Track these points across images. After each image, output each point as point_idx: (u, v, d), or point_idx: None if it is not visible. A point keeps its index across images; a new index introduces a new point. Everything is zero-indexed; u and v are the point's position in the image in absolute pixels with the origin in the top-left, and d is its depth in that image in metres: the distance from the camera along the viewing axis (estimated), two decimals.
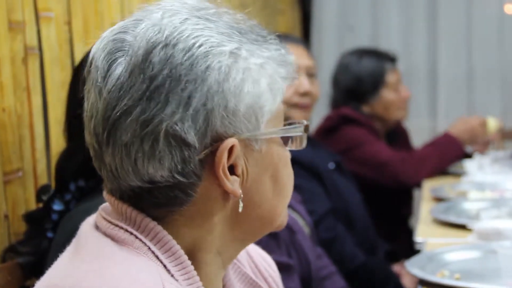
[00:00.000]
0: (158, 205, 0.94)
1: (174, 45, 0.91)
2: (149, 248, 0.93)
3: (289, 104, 2.64)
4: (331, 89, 3.54)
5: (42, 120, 1.74)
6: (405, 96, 3.51)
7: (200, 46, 0.91)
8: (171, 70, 0.90)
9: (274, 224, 1.02)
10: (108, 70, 0.93)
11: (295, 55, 2.75)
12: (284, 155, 1.00)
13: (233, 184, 0.94)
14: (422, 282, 1.73)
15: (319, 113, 3.80)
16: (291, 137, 1.01)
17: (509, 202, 2.52)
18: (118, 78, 0.92)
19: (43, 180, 1.73)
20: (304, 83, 2.64)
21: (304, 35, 5.24)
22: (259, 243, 1.88)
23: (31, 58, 1.70)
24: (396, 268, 2.85)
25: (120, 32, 0.95)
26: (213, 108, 0.91)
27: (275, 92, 0.96)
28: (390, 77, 3.44)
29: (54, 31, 1.78)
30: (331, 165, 2.72)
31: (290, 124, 1.00)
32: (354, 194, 2.79)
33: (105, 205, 0.99)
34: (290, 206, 2.11)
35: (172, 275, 0.92)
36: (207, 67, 0.91)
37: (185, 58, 0.91)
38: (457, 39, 4.98)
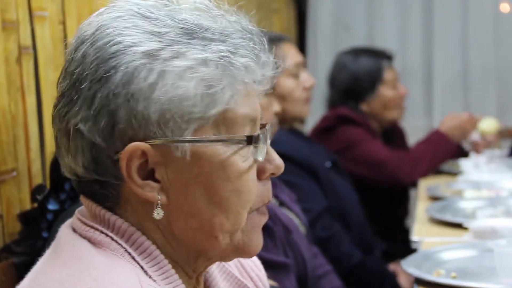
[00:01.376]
0: (103, 199, 0.93)
1: (93, 43, 0.90)
2: (126, 249, 0.92)
3: (302, 102, 2.66)
4: (328, 89, 3.53)
5: (37, 120, 1.74)
6: (403, 93, 3.51)
7: (113, 45, 0.89)
8: (83, 69, 0.90)
9: (216, 241, 0.94)
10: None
11: (290, 53, 2.76)
12: (227, 166, 0.92)
13: (144, 188, 0.91)
14: (418, 281, 1.73)
15: (315, 113, 3.79)
16: (254, 145, 0.94)
17: (505, 201, 2.51)
18: (61, 72, 0.95)
19: (37, 180, 1.73)
20: (309, 78, 2.69)
21: (300, 35, 5.24)
22: None
23: (25, 58, 1.69)
24: (392, 267, 2.85)
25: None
26: (117, 109, 0.88)
27: (213, 98, 0.90)
28: (387, 75, 3.44)
29: (48, 30, 1.77)
30: (328, 164, 2.72)
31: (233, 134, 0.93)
32: (350, 193, 2.79)
33: (82, 207, 0.98)
34: (285, 205, 2.13)
35: (149, 276, 0.92)
36: (113, 67, 0.88)
37: (95, 56, 0.89)
38: (453, 38, 4.98)
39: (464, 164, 3.29)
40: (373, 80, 3.42)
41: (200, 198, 0.92)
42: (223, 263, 1.09)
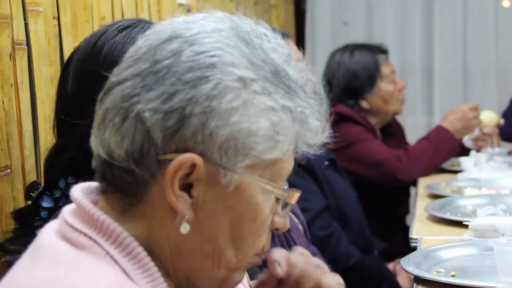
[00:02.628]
0: (118, 188, 0.93)
1: (191, 44, 0.91)
2: (108, 252, 0.91)
3: None
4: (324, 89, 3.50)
5: (31, 117, 1.72)
6: (401, 86, 3.49)
7: (212, 56, 0.90)
8: (172, 63, 0.90)
9: (214, 272, 0.96)
10: (135, 41, 0.97)
11: (292, 49, 2.76)
12: (259, 209, 0.95)
13: (178, 199, 0.91)
14: (417, 279, 1.71)
15: None
16: (284, 203, 0.97)
17: (505, 199, 2.50)
18: (136, 50, 0.94)
19: (31, 177, 1.71)
20: (312, 75, 2.67)
21: (298, 31, 5.23)
22: None
23: (19, 53, 1.67)
24: (391, 266, 2.83)
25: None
26: (190, 115, 0.88)
27: (276, 145, 0.92)
28: (385, 69, 3.42)
29: (42, 25, 1.76)
30: (326, 163, 2.71)
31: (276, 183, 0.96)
32: (349, 192, 2.77)
33: (69, 207, 0.97)
34: None
35: (131, 279, 0.91)
36: (205, 77, 0.89)
37: (191, 59, 0.90)
38: (453, 34, 4.97)
39: (465, 162, 3.28)
40: (371, 76, 3.39)
41: (223, 228, 0.94)
42: None
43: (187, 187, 0.91)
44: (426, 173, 3.22)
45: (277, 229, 1.01)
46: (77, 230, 0.92)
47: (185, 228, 0.92)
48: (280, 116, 0.92)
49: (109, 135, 0.92)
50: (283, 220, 1.00)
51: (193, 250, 0.94)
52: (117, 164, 0.91)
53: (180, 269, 0.96)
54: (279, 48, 0.97)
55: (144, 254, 0.93)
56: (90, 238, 0.92)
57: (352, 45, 3.52)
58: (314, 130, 0.96)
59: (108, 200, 0.96)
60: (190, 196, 0.92)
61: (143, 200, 0.93)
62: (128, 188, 0.93)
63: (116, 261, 0.91)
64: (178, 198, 0.91)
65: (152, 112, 0.89)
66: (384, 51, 3.48)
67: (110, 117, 0.92)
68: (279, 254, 1.03)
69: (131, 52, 0.95)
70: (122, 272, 0.90)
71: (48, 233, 0.94)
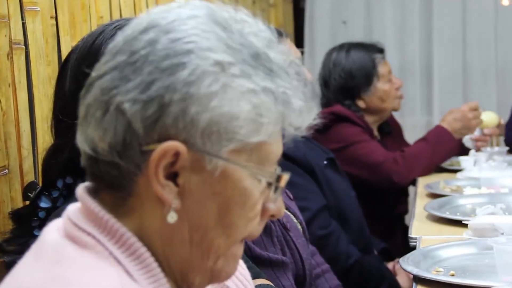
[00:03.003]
0: (107, 184, 0.93)
1: (167, 32, 0.91)
2: (111, 252, 0.90)
3: None
4: (321, 90, 3.48)
5: (28, 117, 1.72)
6: (398, 85, 3.47)
7: (188, 42, 0.90)
8: (149, 52, 0.90)
9: (207, 262, 0.95)
10: (115, 36, 0.98)
11: (291, 48, 2.75)
12: (248, 194, 0.93)
13: (164, 188, 0.90)
14: (416, 279, 1.71)
15: None
16: (274, 187, 0.96)
17: (505, 198, 2.50)
18: (114, 44, 0.94)
19: (29, 177, 1.71)
20: (308, 74, 2.66)
21: (297, 30, 5.22)
22: (254, 239, 1.87)
23: (17, 53, 1.67)
24: (391, 266, 2.83)
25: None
26: (169, 103, 0.88)
27: (259, 127, 0.91)
28: (382, 69, 3.41)
29: (40, 25, 1.75)
30: (325, 162, 2.70)
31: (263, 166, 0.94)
32: (348, 192, 2.77)
33: (73, 206, 0.96)
34: None
35: (134, 280, 0.90)
36: (181, 63, 0.89)
37: (167, 46, 0.90)
38: (452, 34, 4.96)
39: (464, 161, 3.27)
40: (368, 76, 3.38)
41: (212, 215, 0.93)
42: None
43: (172, 176, 0.90)
44: (424, 174, 3.21)
45: (273, 216, 1.00)
46: (80, 228, 0.92)
47: (172, 217, 0.91)
48: (261, 98, 0.91)
49: (92, 130, 0.91)
50: (277, 206, 0.99)
51: (182, 240, 0.93)
52: (102, 158, 0.91)
53: (173, 263, 0.95)
54: (260, 33, 0.95)
55: (147, 254, 0.92)
56: (94, 237, 0.91)
57: (348, 44, 3.49)
58: (298, 111, 0.94)
59: (101, 198, 0.95)
60: (176, 184, 0.91)
61: (132, 194, 0.92)
62: (116, 182, 0.92)
63: (119, 261, 0.90)
64: (164, 187, 0.90)
65: (131, 102, 0.88)
66: (381, 50, 3.46)
67: (92, 112, 0.91)
68: None
69: (111, 46, 0.94)
70: (125, 273, 0.90)
71: (52, 232, 0.94)
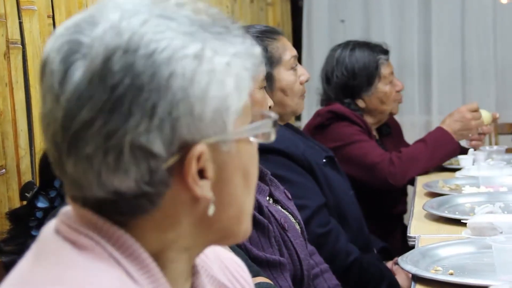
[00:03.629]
0: (122, 213, 0.90)
1: (135, 51, 0.85)
2: (110, 254, 0.89)
3: (299, 96, 2.64)
4: (322, 85, 3.47)
5: (26, 116, 1.71)
6: (399, 88, 3.46)
7: (162, 51, 0.86)
8: (132, 79, 0.85)
9: (241, 226, 0.98)
10: (65, 75, 0.87)
11: (285, 46, 2.74)
12: (253, 152, 0.97)
13: (202, 189, 0.90)
14: (415, 278, 1.70)
15: (310, 109, 3.76)
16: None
17: (504, 196, 2.49)
18: (76, 86, 0.86)
19: (27, 177, 1.70)
20: (305, 72, 2.67)
21: (295, 29, 5.21)
22: (251, 240, 1.87)
23: (14, 52, 1.67)
24: (390, 265, 2.82)
25: (75, 32, 0.88)
26: (179, 116, 0.86)
27: (242, 90, 0.92)
28: (384, 70, 3.39)
29: (37, 24, 1.75)
30: (323, 160, 2.69)
31: (258, 119, 0.97)
32: (347, 190, 2.76)
33: (67, 208, 0.94)
34: (280, 203, 2.10)
35: (135, 281, 0.89)
36: (171, 74, 0.86)
37: (147, 65, 0.85)
38: (451, 32, 4.95)
39: (463, 160, 3.27)
40: (370, 76, 3.36)
41: (239, 186, 0.95)
42: (207, 267, 1.08)
43: (200, 173, 0.90)
44: (419, 174, 3.20)
45: None
46: (77, 230, 0.90)
47: (212, 210, 0.92)
48: (235, 65, 0.90)
49: (107, 176, 0.87)
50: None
51: (220, 219, 0.95)
52: (127, 196, 0.88)
53: (205, 245, 0.98)
54: (185, 5, 0.92)
55: (146, 255, 0.91)
56: (92, 239, 0.90)
57: (353, 42, 3.47)
58: (256, 55, 0.94)
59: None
60: (206, 179, 0.91)
61: (148, 212, 0.90)
62: (137, 209, 0.90)
63: (119, 263, 0.89)
64: (202, 188, 0.90)
65: (145, 134, 0.85)
66: (385, 51, 3.44)
67: (99, 161, 0.86)
68: None
69: (69, 90, 0.86)
70: (125, 274, 0.89)
71: (50, 234, 0.92)
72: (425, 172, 3.22)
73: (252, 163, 0.97)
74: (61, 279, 0.85)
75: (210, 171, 0.91)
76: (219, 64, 0.89)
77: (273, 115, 0.98)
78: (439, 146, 3.21)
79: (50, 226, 0.94)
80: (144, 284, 0.90)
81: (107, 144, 0.85)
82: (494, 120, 3.46)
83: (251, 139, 0.95)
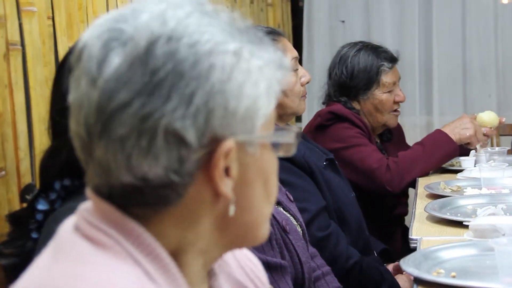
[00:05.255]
0: (146, 204, 0.91)
1: (179, 39, 0.88)
2: (130, 252, 0.90)
3: (300, 97, 2.64)
4: (327, 80, 3.46)
5: (25, 118, 1.71)
6: (399, 100, 3.41)
7: (205, 43, 0.89)
8: (174, 65, 0.87)
9: (259, 231, 1.00)
10: (104, 59, 0.88)
11: (286, 47, 2.73)
12: (274, 162, 0.99)
13: (226, 187, 0.91)
14: (417, 280, 1.69)
15: (311, 110, 3.75)
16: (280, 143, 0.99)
17: (506, 198, 2.49)
18: (116, 69, 0.88)
19: (27, 179, 1.70)
20: (305, 73, 2.67)
21: (295, 29, 5.21)
22: None
23: (13, 54, 1.66)
24: (390, 267, 2.81)
25: (118, 21, 0.91)
26: (214, 107, 0.88)
27: (271, 96, 0.94)
28: (386, 77, 3.35)
29: (37, 26, 1.74)
30: (324, 163, 2.69)
31: (280, 129, 0.98)
32: (347, 193, 2.75)
33: (87, 204, 0.95)
34: (281, 205, 2.10)
35: (154, 280, 0.89)
36: (211, 65, 0.88)
37: (189, 53, 0.88)
38: (452, 33, 4.95)
39: (464, 161, 3.26)
40: (368, 80, 3.34)
41: (258, 192, 0.96)
42: (225, 265, 1.09)
43: (225, 171, 0.92)
44: (419, 177, 3.18)
45: None
46: (97, 228, 0.91)
47: (232, 210, 0.93)
48: (268, 70, 0.93)
49: (138, 160, 0.87)
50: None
51: (238, 224, 0.96)
52: (153, 184, 0.89)
53: (225, 247, 0.99)
54: (222, 12, 0.96)
55: (165, 254, 0.92)
56: (112, 237, 0.90)
57: (363, 44, 3.44)
58: (285, 66, 0.97)
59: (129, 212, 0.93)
60: (230, 178, 0.92)
61: (176, 204, 0.91)
62: (161, 200, 0.91)
63: (138, 262, 0.90)
64: (226, 187, 0.91)
65: (180, 119, 0.87)
66: (392, 59, 3.41)
67: (132, 143, 0.87)
68: None
69: (108, 73, 0.88)
70: (144, 273, 0.89)
71: (68, 231, 0.93)
72: (426, 174, 3.21)
73: (273, 171, 0.98)
74: (80, 277, 0.85)
75: (234, 170, 0.92)
76: (255, 66, 0.92)
77: (295, 128, 1.00)
78: (437, 147, 3.19)
79: (68, 223, 0.95)
80: (162, 283, 0.90)
81: (142, 126, 0.87)
82: (500, 123, 3.45)
83: (274, 148, 0.97)
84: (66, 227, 0.94)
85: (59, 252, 0.91)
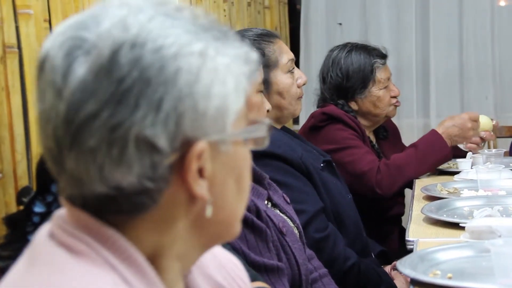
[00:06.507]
0: (121, 211, 0.90)
1: (142, 45, 0.86)
2: (106, 259, 0.89)
3: (296, 99, 2.65)
4: (319, 86, 3.47)
5: (22, 121, 1.71)
6: (395, 94, 3.44)
7: (169, 46, 0.87)
8: (140, 72, 0.85)
9: (233, 228, 1.00)
10: (68, 70, 0.87)
11: (282, 49, 2.73)
12: (246, 156, 0.98)
13: (201, 188, 0.91)
14: (414, 282, 1.70)
15: (308, 112, 3.75)
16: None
17: (502, 200, 2.48)
18: (81, 79, 0.86)
19: (23, 182, 1.70)
20: (302, 75, 2.67)
21: (292, 32, 5.21)
22: (248, 244, 1.86)
23: (10, 57, 1.66)
24: (388, 269, 2.82)
25: (79, 28, 0.89)
26: (184, 111, 0.87)
27: (240, 92, 0.93)
28: (380, 74, 3.38)
29: (34, 28, 1.74)
30: (321, 164, 2.69)
31: (252, 124, 0.97)
32: (344, 194, 2.76)
33: (61, 211, 0.94)
34: (278, 207, 2.10)
35: (131, 286, 0.89)
36: (178, 69, 0.87)
37: (155, 59, 0.86)
38: (449, 35, 4.95)
39: (461, 163, 3.26)
40: (364, 79, 3.35)
41: (232, 190, 0.96)
42: (202, 266, 1.08)
43: (199, 173, 0.91)
44: (408, 182, 3.18)
45: None
46: (72, 235, 0.90)
47: (209, 211, 0.93)
48: (236, 66, 0.92)
49: (110, 170, 0.86)
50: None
51: (213, 224, 0.95)
52: (127, 192, 0.88)
53: (202, 248, 0.98)
54: (184, 10, 0.94)
55: (142, 259, 0.91)
56: (87, 244, 0.89)
57: (351, 44, 3.46)
58: (253, 60, 0.96)
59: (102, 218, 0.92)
60: (204, 179, 0.91)
61: (151, 209, 0.90)
62: (136, 208, 0.90)
63: (115, 268, 0.89)
64: (201, 187, 0.91)
65: (151, 127, 0.86)
66: (383, 56, 3.43)
67: (103, 154, 0.86)
68: None
69: (73, 84, 0.86)
70: (121, 279, 0.88)
71: (44, 238, 0.92)
72: (417, 177, 3.19)
73: (246, 167, 0.98)
74: (55, 285, 0.85)
75: (208, 171, 0.91)
76: (221, 64, 0.90)
77: (267, 121, 0.99)
78: (430, 152, 3.18)
79: (43, 231, 0.93)
80: (140, 287, 0.89)
81: (112, 136, 0.85)
82: (494, 129, 3.45)
83: (246, 143, 0.96)
84: (41, 235, 0.93)
85: (35, 260, 0.89)
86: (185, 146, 0.88)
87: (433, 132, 3.25)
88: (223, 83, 0.90)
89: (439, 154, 3.19)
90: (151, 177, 0.87)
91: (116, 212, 0.90)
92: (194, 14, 0.93)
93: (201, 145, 0.88)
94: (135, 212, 0.90)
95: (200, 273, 1.07)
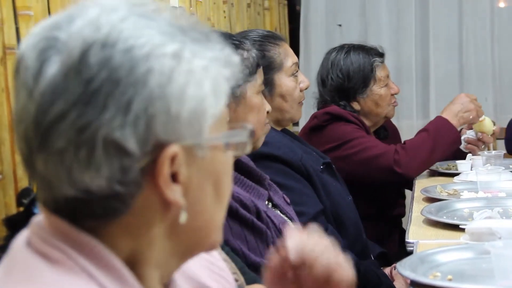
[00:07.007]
0: (95, 216, 0.88)
1: (113, 45, 0.85)
2: (83, 267, 0.87)
3: (298, 103, 2.65)
4: (318, 89, 3.47)
5: None
6: (395, 92, 3.45)
7: (140, 47, 0.85)
8: (109, 73, 0.84)
9: (212, 237, 0.97)
10: (39, 70, 0.86)
11: (288, 53, 2.73)
12: (226, 162, 0.96)
13: (174, 193, 0.88)
14: (414, 284, 1.70)
15: (307, 114, 3.75)
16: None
17: (502, 202, 2.48)
18: (51, 80, 0.85)
19: (23, 183, 1.70)
20: (305, 79, 2.67)
21: (292, 33, 5.21)
22: (249, 245, 1.86)
23: (10, 58, 1.66)
24: (387, 270, 2.82)
25: (52, 29, 0.88)
26: (155, 113, 0.85)
27: (219, 95, 0.91)
28: (380, 73, 3.39)
29: None
30: (321, 166, 2.69)
31: (233, 128, 0.95)
32: (344, 196, 2.76)
33: (39, 218, 0.92)
34: (278, 207, 2.10)
35: None
36: (148, 70, 0.85)
37: (124, 60, 0.85)
38: (449, 36, 4.96)
39: (461, 165, 3.26)
40: (365, 78, 3.36)
41: (209, 195, 0.93)
42: (184, 268, 1.05)
43: (173, 177, 0.89)
44: (426, 166, 3.18)
45: None
46: (48, 243, 0.88)
47: (183, 217, 0.90)
48: (213, 69, 0.90)
49: (79, 173, 0.85)
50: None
51: (190, 231, 0.93)
52: (97, 196, 0.86)
53: (176, 257, 0.95)
54: (163, 12, 0.92)
55: (120, 265, 0.89)
56: (64, 252, 0.87)
57: (348, 45, 3.47)
58: (234, 63, 0.94)
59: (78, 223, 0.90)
60: (178, 183, 0.89)
61: (120, 216, 0.88)
62: (109, 212, 0.88)
63: (92, 276, 0.87)
64: (174, 193, 0.88)
65: (119, 128, 0.84)
66: (381, 54, 3.44)
67: (71, 156, 0.85)
68: (292, 240, 1.02)
69: (43, 84, 0.85)
70: (98, 287, 0.87)
71: (21, 246, 0.90)
72: (430, 164, 3.19)
73: (225, 173, 0.95)
74: None
75: (183, 176, 0.89)
76: (198, 66, 0.88)
77: (249, 126, 0.97)
78: (441, 135, 3.18)
79: (21, 238, 0.91)
80: None
81: (80, 138, 0.84)
82: (494, 134, 3.45)
83: (226, 148, 0.94)
84: (19, 242, 0.91)
85: (11, 268, 0.88)
86: (157, 149, 0.86)
87: (439, 118, 3.26)
88: (199, 85, 0.88)
89: (449, 137, 3.20)
90: (122, 180, 0.86)
91: (89, 216, 0.88)
92: (174, 15, 0.92)
93: (173, 149, 0.86)
94: (108, 217, 0.88)
95: (181, 275, 1.05)
